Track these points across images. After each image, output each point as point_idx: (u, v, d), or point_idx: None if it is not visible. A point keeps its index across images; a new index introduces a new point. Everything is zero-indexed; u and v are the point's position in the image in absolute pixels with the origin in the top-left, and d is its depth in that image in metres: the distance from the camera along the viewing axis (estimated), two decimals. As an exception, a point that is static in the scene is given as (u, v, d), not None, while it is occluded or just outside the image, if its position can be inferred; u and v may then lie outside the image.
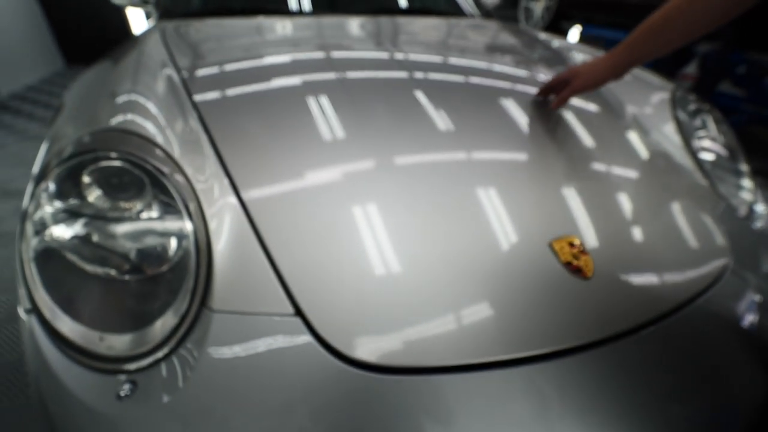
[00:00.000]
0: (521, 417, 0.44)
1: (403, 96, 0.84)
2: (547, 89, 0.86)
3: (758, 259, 0.72)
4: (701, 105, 0.98)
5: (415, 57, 1.04)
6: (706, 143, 0.91)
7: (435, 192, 0.62)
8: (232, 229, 0.55)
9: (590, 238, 0.59)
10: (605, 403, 0.46)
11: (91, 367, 0.47)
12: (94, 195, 0.55)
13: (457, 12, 1.59)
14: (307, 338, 0.47)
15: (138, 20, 4.49)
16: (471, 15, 1.58)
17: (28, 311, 0.50)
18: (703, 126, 0.94)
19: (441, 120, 0.77)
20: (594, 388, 0.47)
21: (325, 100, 0.80)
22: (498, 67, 1.07)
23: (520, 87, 0.95)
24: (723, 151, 0.92)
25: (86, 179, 0.54)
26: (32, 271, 0.50)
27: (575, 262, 0.55)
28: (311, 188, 0.62)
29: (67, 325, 0.48)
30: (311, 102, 0.79)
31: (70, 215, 0.53)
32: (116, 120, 0.64)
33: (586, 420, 0.45)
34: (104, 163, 0.55)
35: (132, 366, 0.47)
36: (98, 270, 0.51)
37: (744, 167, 0.90)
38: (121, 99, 0.71)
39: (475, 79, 0.97)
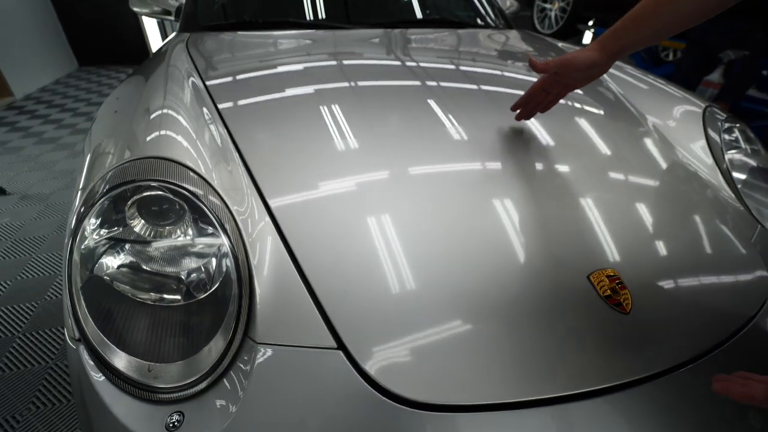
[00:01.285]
0: None
1: (430, 110, 0.85)
2: (523, 99, 0.79)
3: None
4: (733, 122, 0.96)
5: (439, 69, 1.04)
6: (739, 162, 0.89)
7: (474, 223, 0.62)
8: (270, 256, 0.56)
9: (628, 269, 0.58)
10: None
11: (140, 398, 0.48)
12: (136, 223, 0.56)
13: (482, 22, 1.58)
14: (349, 372, 0.47)
15: (151, 25, 4.56)
16: (493, 25, 1.57)
17: (76, 340, 0.51)
18: (736, 144, 0.93)
19: (473, 138, 0.77)
20: (636, 429, 0.47)
21: (347, 112, 0.81)
22: (524, 80, 1.06)
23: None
24: (756, 172, 0.90)
25: (129, 209, 0.55)
26: (80, 302, 0.51)
27: (614, 296, 0.54)
28: (344, 208, 0.62)
29: (116, 356, 0.49)
30: (336, 114, 0.80)
31: (115, 245, 0.54)
32: (151, 137, 0.65)
33: None
34: (146, 193, 0.56)
35: (179, 395, 0.48)
36: (144, 297, 0.53)
37: (777, 187, 0.89)
38: (155, 115, 0.72)
39: (499, 91, 0.97)
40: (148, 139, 0.65)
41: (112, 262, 0.54)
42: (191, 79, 0.90)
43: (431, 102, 0.88)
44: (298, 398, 0.47)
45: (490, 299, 0.53)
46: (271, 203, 0.61)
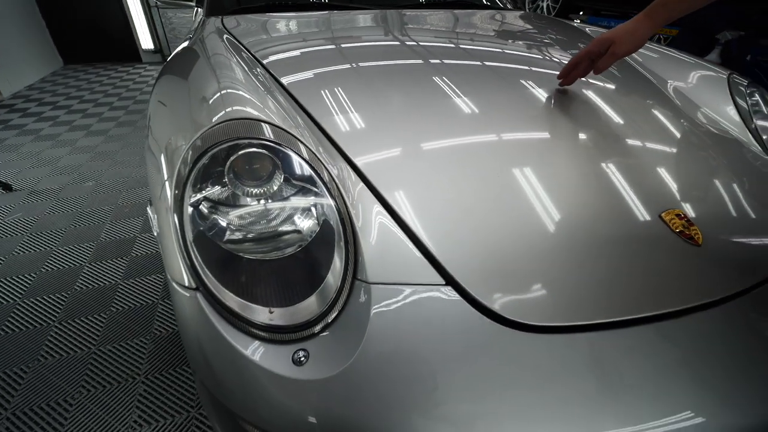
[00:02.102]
0: (656, 369, 0.49)
1: (499, 82, 0.89)
2: (572, 65, 0.84)
3: None
4: (753, 87, 1.03)
5: (471, 47, 1.08)
6: (763, 123, 0.96)
7: (563, 167, 0.67)
8: (366, 207, 0.59)
9: (693, 208, 0.64)
10: (730, 357, 0.51)
11: (264, 339, 0.51)
12: (236, 184, 0.58)
13: (489, 2, 1.63)
14: (461, 303, 0.51)
15: (140, 20, 4.46)
16: (500, 5, 1.63)
17: (192, 289, 0.53)
18: (757, 107, 1.00)
19: (554, 106, 0.83)
20: (719, 344, 0.52)
21: (407, 79, 0.85)
22: (557, 54, 1.11)
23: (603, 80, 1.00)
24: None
25: (228, 171, 0.57)
26: (195, 252, 0.53)
27: (686, 231, 0.59)
28: (429, 161, 0.66)
29: (235, 303, 0.52)
30: (391, 79, 0.84)
31: (217, 205, 0.56)
32: (219, 115, 0.63)
33: (716, 374, 0.49)
34: (242, 151, 0.58)
35: (300, 335, 0.51)
36: (254, 251, 0.55)
37: (798, 145, 0.96)
38: (215, 98, 0.69)
39: (544, 66, 1.01)
40: (215, 118, 0.63)
41: (217, 220, 0.56)
42: (240, 57, 0.90)
43: (481, 75, 0.92)
44: (416, 332, 0.50)
45: (581, 234, 0.58)
46: (355, 158, 0.64)
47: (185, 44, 1.13)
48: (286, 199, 0.58)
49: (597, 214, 0.61)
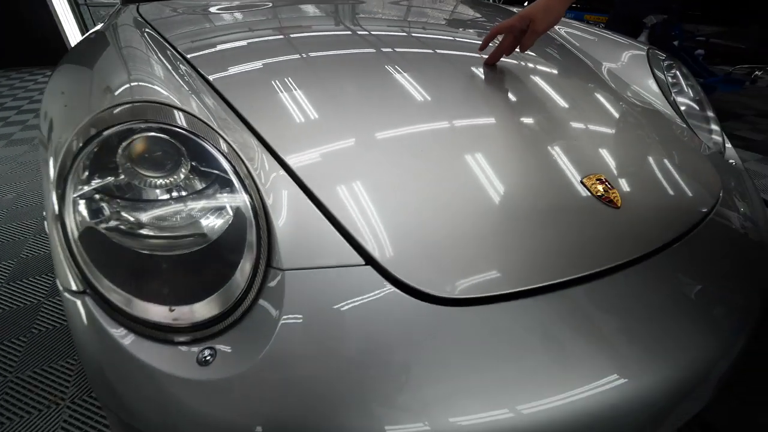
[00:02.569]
0: (576, 337, 0.48)
1: (422, 65, 0.86)
2: (491, 37, 0.85)
3: (735, 182, 0.83)
4: (671, 61, 1.09)
5: (400, 37, 1.06)
6: (680, 95, 1.01)
7: (486, 142, 0.66)
8: (282, 190, 0.55)
9: (613, 173, 0.65)
10: (650, 311, 0.52)
11: (164, 341, 0.45)
12: (131, 171, 0.52)
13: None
14: (381, 282, 0.48)
15: (68, 20, 4.11)
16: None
17: (79, 293, 0.47)
18: (675, 80, 1.05)
19: (479, 86, 0.82)
20: (637, 302, 0.53)
21: (340, 71, 0.80)
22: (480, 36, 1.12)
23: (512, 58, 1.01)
24: (693, 101, 1.03)
25: (120, 155, 0.51)
26: (81, 252, 0.47)
27: (606, 195, 0.60)
28: (349, 146, 0.63)
29: (130, 304, 0.46)
30: (327, 72, 0.80)
31: (108, 194, 0.50)
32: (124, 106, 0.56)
33: (635, 331, 0.50)
34: (139, 136, 0.52)
35: (206, 333, 0.46)
36: (152, 247, 0.49)
37: (711, 114, 1.02)
38: (122, 90, 0.61)
39: (471, 50, 1.01)
40: (116, 112, 0.55)
41: (107, 212, 0.50)
42: (160, 52, 0.81)
43: (406, 63, 0.89)
44: (334, 316, 0.47)
45: (503, 205, 0.57)
46: (273, 144, 0.60)
47: (96, 29, 1.03)
48: (193, 191, 0.53)
49: (519, 184, 0.61)
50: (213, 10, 1.13)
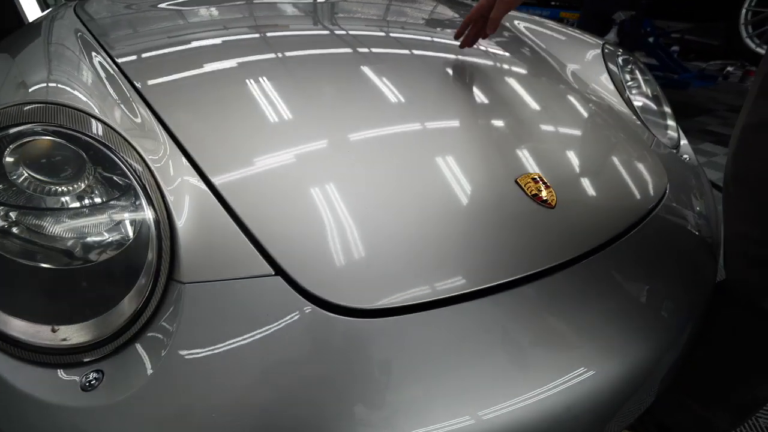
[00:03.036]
0: (506, 343, 0.47)
1: (352, 68, 0.83)
2: (468, 21, 0.83)
3: (687, 179, 0.82)
4: (627, 56, 1.07)
5: (363, 34, 1.02)
6: (635, 90, 1.00)
7: (403, 145, 0.63)
8: (191, 197, 0.51)
9: (551, 172, 0.62)
10: (577, 319, 0.50)
11: (46, 363, 0.41)
12: (22, 178, 0.48)
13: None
14: (290, 294, 0.45)
15: (33, 11, 3.96)
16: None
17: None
18: (632, 75, 1.04)
19: (398, 92, 0.77)
20: (567, 305, 0.51)
21: (272, 77, 0.75)
22: (441, 36, 1.09)
23: (467, 55, 0.98)
24: (649, 97, 1.02)
25: (9, 159, 0.47)
26: None
27: (541, 194, 0.58)
28: (268, 142, 0.59)
29: (7, 323, 0.42)
30: (260, 78, 0.75)
31: None
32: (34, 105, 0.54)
33: (564, 335, 0.48)
34: (31, 139, 0.48)
35: (94, 354, 0.42)
36: (40, 262, 0.45)
37: (667, 110, 1.01)
38: (36, 88, 0.58)
39: (420, 48, 0.98)
40: (26, 110, 0.52)
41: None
42: (92, 55, 0.77)
43: (357, 64, 0.85)
44: (239, 332, 0.43)
45: (427, 207, 0.54)
46: (194, 155, 0.55)
47: (36, 19, 0.98)
48: (94, 200, 0.49)
49: (451, 186, 0.57)
50: (159, 10, 1.08)
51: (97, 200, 0.50)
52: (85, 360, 0.42)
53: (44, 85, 0.60)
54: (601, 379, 0.47)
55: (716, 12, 2.63)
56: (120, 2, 1.10)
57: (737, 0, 2.53)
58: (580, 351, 0.48)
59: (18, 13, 3.92)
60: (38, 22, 0.98)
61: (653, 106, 1.00)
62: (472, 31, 0.83)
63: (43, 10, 4.02)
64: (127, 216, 0.49)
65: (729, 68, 3.54)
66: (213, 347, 0.42)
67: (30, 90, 0.58)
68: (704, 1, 2.50)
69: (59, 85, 0.61)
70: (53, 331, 0.42)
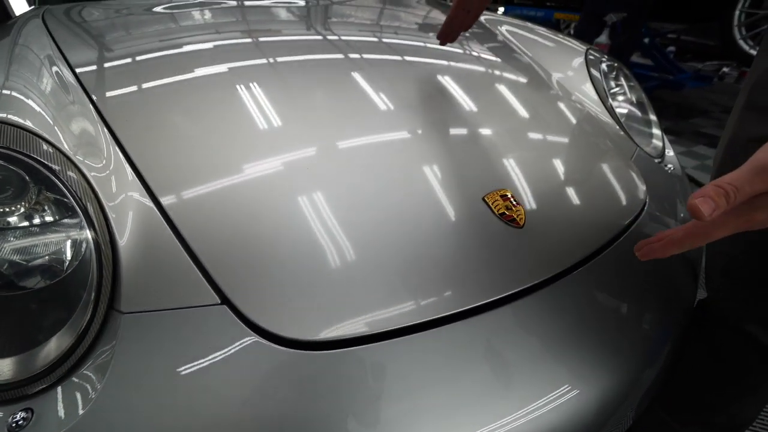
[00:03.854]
0: (473, 369, 0.44)
1: (335, 78, 0.80)
2: (450, 19, 0.77)
3: (669, 193, 0.80)
4: (612, 63, 1.05)
5: (350, 39, 0.99)
6: (620, 98, 0.97)
7: (365, 162, 0.60)
8: (137, 219, 0.49)
9: (520, 189, 0.60)
10: (552, 341, 0.48)
11: (-30, 401, 0.39)
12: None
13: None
14: (236, 325, 0.43)
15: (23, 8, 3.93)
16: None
17: None
18: (616, 82, 1.01)
19: (378, 98, 0.74)
20: (540, 329, 0.48)
21: (236, 87, 0.73)
22: (427, 43, 1.06)
23: (453, 62, 0.95)
24: (634, 104, 0.99)
25: None
26: None
27: (508, 213, 0.55)
28: (220, 161, 0.56)
29: None
30: (226, 90, 0.72)
31: None
32: None
33: (537, 363, 0.46)
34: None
35: (23, 392, 0.40)
36: None
37: (653, 118, 0.98)
38: None
39: (406, 56, 0.96)
40: None
41: None
42: (51, 62, 0.75)
43: (350, 73, 0.83)
44: (180, 366, 0.41)
45: (383, 228, 0.51)
46: (144, 173, 0.53)
47: (11, 20, 0.97)
48: (32, 222, 0.47)
49: (411, 206, 0.55)
50: (129, 17, 1.05)
51: (37, 221, 0.48)
52: (13, 398, 0.39)
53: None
54: (581, 400, 0.45)
55: (709, 13, 2.61)
56: (91, 8, 1.08)
57: (730, 1, 2.51)
58: (555, 374, 0.46)
59: (6, 11, 3.88)
60: (12, 23, 0.96)
61: (638, 113, 0.98)
62: (456, 25, 0.77)
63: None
64: (66, 237, 0.47)
65: (725, 69, 3.51)
66: (151, 383, 0.40)
67: None
68: (697, 2, 2.47)
69: (13, 93, 0.60)
70: (-25, 367, 0.40)
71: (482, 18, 1.35)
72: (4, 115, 0.52)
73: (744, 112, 0.55)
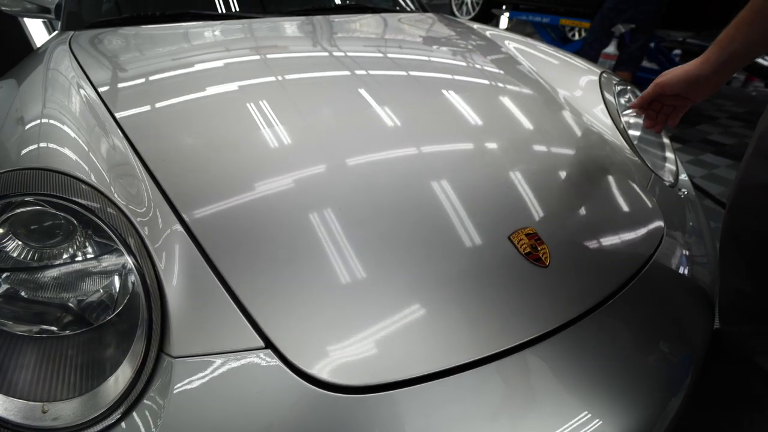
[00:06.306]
0: (503, 412, 0.46)
1: (348, 96, 0.83)
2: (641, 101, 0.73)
3: (683, 220, 0.81)
4: (624, 85, 1.06)
5: (357, 55, 1.02)
6: (632, 120, 0.99)
7: (392, 198, 0.62)
8: (182, 262, 0.51)
9: (544, 226, 0.62)
10: (580, 380, 0.50)
11: (35, 447, 0.41)
12: (12, 246, 0.48)
13: (395, 7, 1.58)
14: (281, 370, 0.45)
15: (38, 30, 3.98)
16: (408, 9, 1.59)
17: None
18: (628, 105, 1.03)
19: (388, 118, 0.77)
20: (568, 369, 0.50)
21: (263, 106, 0.76)
22: (440, 60, 1.08)
23: (461, 78, 0.98)
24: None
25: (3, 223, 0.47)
26: None
27: (534, 252, 0.57)
28: (261, 206, 0.59)
29: None
30: (249, 110, 0.75)
31: None
32: (28, 150, 0.57)
33: (567, 400, 0.48)
34: (20, 210, 0.48)
35: (89, 433, 0.42)
36: (31, 329, 0.45)
37: (666, 141, 1.00)
38: (32, 125, 0.63)
39: (417, 73, 0.98)
40: (23, 152, 0.57)
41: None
42: (78, 84, 0.79)
43: (360, 90, 0.85)
44: (229, 408, 0.43)
45: (415, 274, 0.53)
46: (180, 209, 0.56)
47: (39, 48, 1.02)
48: (79, 268, 0.49)
49: (440, 250, 0.56)
50: (146, 38, 1.08)
51: (87, 264, 0.50)
52: None
53: (38, 122, 0.64)
54: None
55: (718, 22, 2.61)
56: (113, 33, 1.10)
57: (735, 9, 2.50)
58: (588, 409, 0.47)
59: (26, 37, 3.94)
60: (42, 51, 1.01)
61: (651, 136, 0.99)
62: (659, 116, 0.72)
63: (50, 35, 4.05)
64: (113, 272, 0.50)
65: (731, 74, 3.50)
66: (202, 426, 0.42)
67: (26, 128, 0.63)
68: (706, 11, 2.47)
69: (51, 121, 0.65)
70: (43, 411, 0.42)
71: (490, 33, 1.37)
72: (46, 151, 0.56)
73: (752, 159, 0.57)
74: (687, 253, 0.73)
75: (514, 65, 1.11)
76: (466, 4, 4.43)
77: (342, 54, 1.02)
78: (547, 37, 3.62)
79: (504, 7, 3.98)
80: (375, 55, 1.06)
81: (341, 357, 0.46)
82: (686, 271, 0.70)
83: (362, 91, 0.84)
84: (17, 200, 0.48)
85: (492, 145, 0.76)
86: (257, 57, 0.98)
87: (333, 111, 0.79)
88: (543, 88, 1.01)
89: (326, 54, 1.02)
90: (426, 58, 1.07)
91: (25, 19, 3.93)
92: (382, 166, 0.67)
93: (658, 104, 0.70)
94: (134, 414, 0.43)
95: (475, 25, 1.49)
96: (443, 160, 0.71)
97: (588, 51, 2.55)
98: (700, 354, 0.62)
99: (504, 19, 4.39)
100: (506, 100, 0.92)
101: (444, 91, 0.89)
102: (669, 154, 0.97)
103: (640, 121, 1.01)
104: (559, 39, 3.66)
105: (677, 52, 3.59)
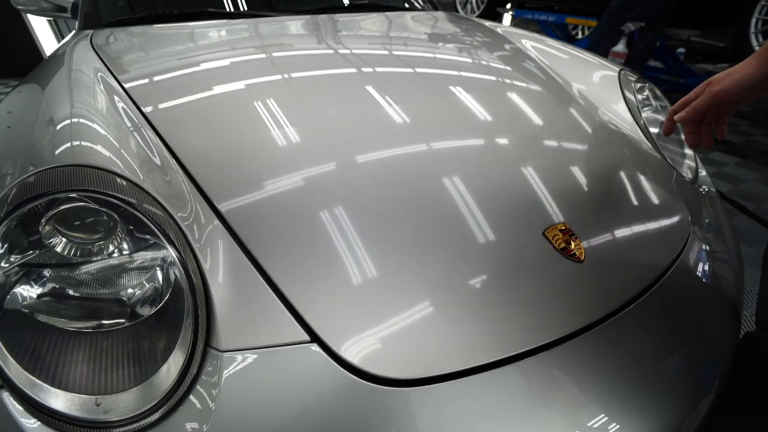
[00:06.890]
0: (543, 407, 0.46)
1: (368, 96, 0.83)
2: (681, 106, 0.67)
3: (706, 217, 0.82)
4: (643, 82, 1.07)
5: (373, 55, 1.02)
6: (651, 118, 0.99)
7: (427, 195, 0.62)
8: (224, 258, 0.52)
9: (576, 222, 0.62)
10: (618, 374, 0.50)
11: (89, 438, 0.42)
12: (57, 242, 0.48)
13: (408, 5, 1.59)
14: (328, 363, 0.45)
15: (44, 30, 3.97)
16: (420, 7, 1.59)
17: (-5, 388, 0.43)
18: (647, 101, 1.03)
19: (419, 116, 0.77)
20: (605, 364, 0.50)
21: (291, 103, 0.77)
22: (456, 57, 1.09)
23: (484, 77, 0.98)
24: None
25: (45, 227, 0.48)
26: None
27: (569, 247, 0.58)
28: (296, 202, 0.59)
29: (52, 396, 0.42)
30: (278, 106, 0.76)
31: (32, 270, 0.46)
32: (62, 150, 0.57)
33: (606, 394, 0.48)
34: (65, 206, 0.48)
35: (138, 425, 0.43)
36: (79, 325, 0.46)
37: (683, 137, 1.00)
38: (63, 125, 0.63)
39: (434, 71, 0.98)
40: (57, 152, 0.56)
41: (29, 291, 0.46)
42: (104, 82, 0.79)
43: (369, 88, 0.86)
44: (278, 401, 0.44)
45: (453, 270, 0.54)
46: (219, 204, 0.56)
47: (56, 49, 1.01)
48: (122, 263, 0.50)
49: (477, 247, 0.57)
50: (167, 36, 1.09)
51: (129, 259, 0.51)
52: None
53: (68, 122, 0.64)
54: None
55: (725, 20, 2.61)
56: (131, 30, 1.11)
57: (748, 8, 2.51)
58: (623, 406, 0.48)
59: (31, 37, 3.93)
60: (61, 52, 1.01)
61: (673, 134, 1.00)
62: (702, 128, 0.67)
63: (58, 39, 4.06)
64: (157, 272, 0.50)
65: (736, 71, 3.50)
66: (252, 419, 0.43)
67: (57, 128, 0.63)
68: (713, 9, 2.48)
69: (81, 120, 0.65)
70: (97, 404, 0.43)
71: (501, 29, 1.37)
72: (80, 149, 0.56)
73: None
74: (710, 249, 0.74)
75: (531, 63, 1.12)
76: (471, 2, 4.43)
77: (354, 53, 1.02)
78: (552, 35, 3.62)
79: (509, 5, 3.98)
80: (402, 53, 1.06)
81: (384, 350, 0.47)
82: (711, 268, 0.70)
83: (383, 87, 0.84)
84: (61, 197, 0.48)
85: (518, 142, 0.77)
86: (281, 54, 0.98)
87: (363, 108, 0.79)
88: (561, 86, 1.01)
89: (348, 52, 1.03)
90: (451, 57, 1.08)
91: (31, 20, 3.95)
92: (416, 164, 0.68)
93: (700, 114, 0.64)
94: (185, 405, 0.44)
95: (487, 23, 1.49)
96: (474, 157, 0.71)
97: (596, 49, 2.57)
98: (728, 356, 0.62)
99: (507, 18, 4.40)
100: (528, 98, 0.92)
101: (470, 89, 0.89)
102: (688, 151, 0.98)
103: (659, 117, 1.02)
104: (564, 37, 3.66)
105: (681, 50, 3.60)
